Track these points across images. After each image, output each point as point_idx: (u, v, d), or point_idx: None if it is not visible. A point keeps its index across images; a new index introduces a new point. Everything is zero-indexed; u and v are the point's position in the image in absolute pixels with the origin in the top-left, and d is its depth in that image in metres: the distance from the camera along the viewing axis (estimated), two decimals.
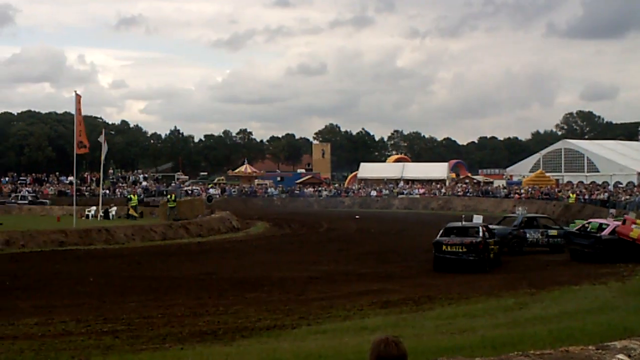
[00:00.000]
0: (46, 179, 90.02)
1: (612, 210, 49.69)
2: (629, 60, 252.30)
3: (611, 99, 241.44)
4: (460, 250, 30.69)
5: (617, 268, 29.50)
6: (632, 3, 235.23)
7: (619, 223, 34.13)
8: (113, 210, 58.14)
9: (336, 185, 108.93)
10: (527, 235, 38.36)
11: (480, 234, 31.90)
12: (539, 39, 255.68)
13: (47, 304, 21.29)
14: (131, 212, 57.68)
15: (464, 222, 34.35)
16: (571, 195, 72.41)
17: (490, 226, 36.35)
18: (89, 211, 57.23)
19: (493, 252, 32.26)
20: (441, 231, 32.81)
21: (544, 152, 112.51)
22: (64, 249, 37.30)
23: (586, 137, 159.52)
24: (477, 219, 37.91)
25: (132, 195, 62.42)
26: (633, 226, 32.78)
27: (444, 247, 30.92)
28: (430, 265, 31.71)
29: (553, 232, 38.81)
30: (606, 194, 70.61)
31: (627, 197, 64.81)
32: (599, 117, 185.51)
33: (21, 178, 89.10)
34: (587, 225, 36.16)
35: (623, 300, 20.76)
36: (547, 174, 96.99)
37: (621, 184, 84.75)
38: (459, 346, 13.68)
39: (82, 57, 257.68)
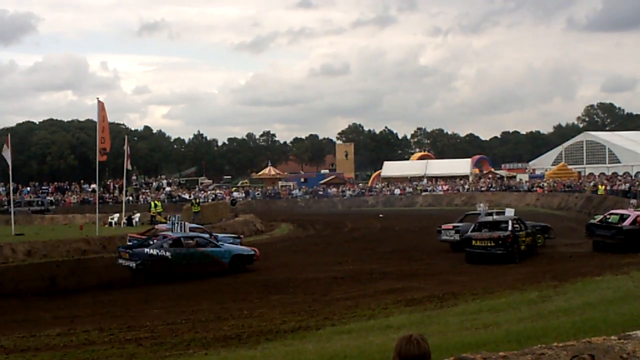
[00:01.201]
0: (68, 187, 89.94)
1: (633, 201, 49.42)
2: None
3: (632, 91, 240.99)
4: (489, 244, 32.02)
5: (638, 258, 29.44)
6: None
7: None
8: (136, 217, 58.06)
9: (360, 184, 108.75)
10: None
11: (510, 227, 32.94)
12: (559, 34, 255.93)
13: (69, 314, 21.37)
14: (159, 218, 57.61)
15: (495, 216, 35.76)
16: (600, 187, 71.98)
17: (455, 224, 37.72)
18: (112, 218, 57.22)
19: (525, 243, 33.35)
20: (473, 225, 34.60)
21: (565, 144, 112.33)
22: (86, 257, 37.18)
23: (607, 128, 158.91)
24: (509, 212, 37.72)
25: (156, 202, 62.38)
26: None
27: (473, 242, 32.49)
28: (453, 261, 32.41)
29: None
30: (627, 185, 70.36)
31: None
32: (620, 108, 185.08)
33: (43, 187, 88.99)
34: (608, 216, 36.15)
35: None
36: (569, 167, 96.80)
37: None
38: (484, 341, 13.67)
39: (105, 64, 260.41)
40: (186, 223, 36.48)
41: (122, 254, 30.54)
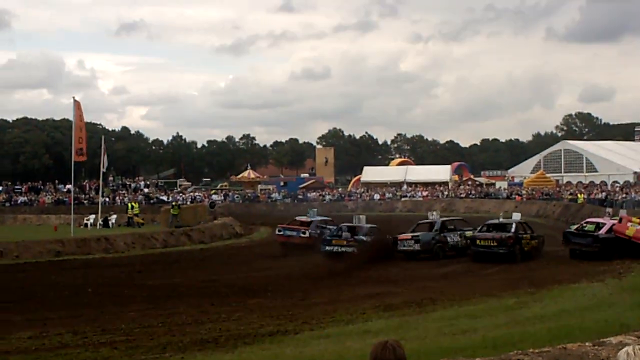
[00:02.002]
0: (43, 187, 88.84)
1: (609, 210, 49.87)
2: (625, 63, 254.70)
3: (608, 101, 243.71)
4: (492, 244, 35.15)
5: (614, 265, 29.94)
6: (626, 8, 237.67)
7: (616, 222, 34.47)
8: (113, 218, 57.72)
9: (339, 189, 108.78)
10: (448, 239, 38.13)
11: (513, 229, 36.04)
12: (538, 43, 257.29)
13: (42, 316, 20.83)
14: (136, 220, 57.42)
15: (501, 219, 39.06)
16: (579, 195, 72.31)
17: (413, 234, 38.15)
18: (88, 220, 56.78)
19: (530, 246, 36.24)
20: (480, 227, 37.84)
21: (544, 153, 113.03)
22: (60, 259, 36.63)
23: (585, 138, 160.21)
24: (516, 216, 39.29)
25: (133, 203, 62.16)
26: (629, 224, 33.27)
27: (478, 241, 35.71)
28: (432, 267, 33.00)
29: (469, 234, 38.08)
30: (604, 194, 70.86)
31: (624, 195, 65.08)
32: (597, 118, 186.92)
33: (16, 187, 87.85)
34: (584, 224, 36.56)
35: (620, 297, 20.97)
36: (548, 175, 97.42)
37: (618, 183, 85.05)
38: (461, 347, 13.75)
39: (82, 63, 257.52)
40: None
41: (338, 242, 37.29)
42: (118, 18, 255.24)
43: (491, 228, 37.11)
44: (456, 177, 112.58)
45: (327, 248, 37.98)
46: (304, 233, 42.91)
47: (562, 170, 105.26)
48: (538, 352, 9.86)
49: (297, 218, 46.79)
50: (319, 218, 45.88)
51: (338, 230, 40.16)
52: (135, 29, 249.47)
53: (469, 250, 36.37)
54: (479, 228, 37.71)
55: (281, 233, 43.90)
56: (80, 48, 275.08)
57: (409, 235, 38.34)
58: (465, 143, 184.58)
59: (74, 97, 47.16)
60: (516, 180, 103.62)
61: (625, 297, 20.82)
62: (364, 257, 35.18)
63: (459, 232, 38.92)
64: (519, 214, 41.59)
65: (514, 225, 36.52)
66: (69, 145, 50.02)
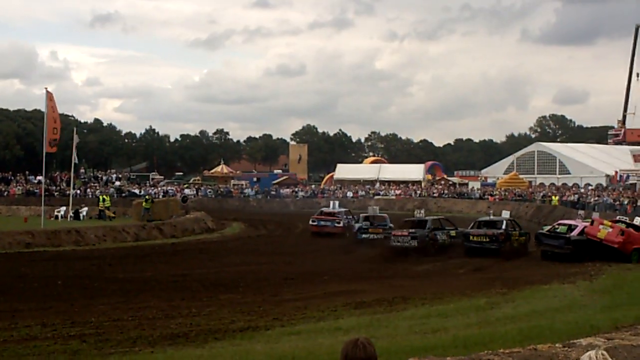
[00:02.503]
0: (13, 177, 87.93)
1: (581, 212, 50.15)
2: (599, 66, 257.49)
3: (582, 104, 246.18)
4: (484, 240, 37.69)
5: (585, 267, 30.18)
6: (601, 11, 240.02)
7: (587, 224, 34.69)
8: (84, 210, 57.28)
9: (313, 186, 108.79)
10: (437, 236, 39.88)
11: (504, 226, 38.57)
12: (514, 44, 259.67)
13: (10, 308, 20.56)
14: (108, 213, 57.10)
15: (491, 216, 43.39)
16: (554, 197, 72.59)
17: (410, 230, 39.81)
18: (59, 212, 56.22)
19: (518, 242, 38.58)
20: (472, 223, 40.43)
21: (517, 154, 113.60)
22: (30, 250, 36.21)
23: (558, 140, 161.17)
24: (505, 214, 41.54)
25: (104, 196, 61.77)
26: (600, 227, 33.50)
27: (471, 237, 38.13)
28: (404, 265, 33.33)
29: (453, 233, 40.59)
30: (576, 196, 71.22)
31: (596, 198, 65.45)
32: (571, 120, 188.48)
33: None
34: (557, 226, 36.80)
35: (590, 299, 21.12)
36: (521, 176, 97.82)
37: (591, 185, 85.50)
38: (431, 346, 13.77)
39: (55, 54, 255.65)
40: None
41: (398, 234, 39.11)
42: (93, 9, 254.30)
43: (482, 225, 39.74)
44: (429, 177, 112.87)
45: (364, 236, 43.65)
46: (338, 223, 48.73)
47: (535, 172, 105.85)
48: (508, 352, 9.87)
49: (324, 209, 53.66)
50: (343, 209, 52.70)
51: (357, 220, 46.76)
52: (110, 21, 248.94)
53: (465, 243, 38.47)
54: (471, 225, 40.12)
55: (315, 223, 49.87)
56: (53, 39, 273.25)
57: (405, 231, 39.69)
58: (439, 142, 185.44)
59: (46, 88, 46.79)
60: (489, 180, 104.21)
61: (595, 299, 20.97)
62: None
63: (445, 231, 40.69)
64: (508, 212, 43.67)
65: (504, 223, 38.90)
66: (41, 136, 49.74)
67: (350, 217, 49.89)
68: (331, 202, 53.53)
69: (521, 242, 38.85)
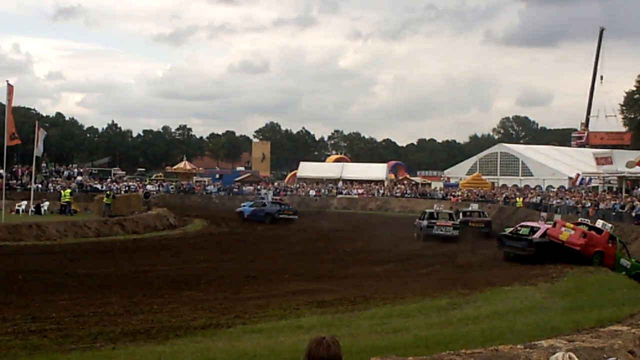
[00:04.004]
0: None
1: (544, 214, 50.45)
2: (562, 69, 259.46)
3: (545, 106, 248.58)
4: (481, 225, 49.84)
5: (546, 269, 30.31)
6: (565, 14, 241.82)
7: (550, 226, 34.88)
8: (45, 205, 56.86)
9: (275, 183, 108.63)
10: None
11: (486, 215, 51.86)
12: (477, 46, 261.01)
13: None
14: (74, 207, 56.72)
15: (442, 209, 51.51)
16: (518, 199, 72.80)
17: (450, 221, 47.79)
18: (20, 206, 55.67)
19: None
20: (426, 214, 48.97)
21: (480, 155, 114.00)
22: None
23: (521, 141, 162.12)
24: (474, 206, 52.13)
25: (65, 191, 61.26)
26: (563, 229, 33.67)
27: (470, 224, 48.93)
28: (365, 265, 33.44)
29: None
30: (539, 198, 71.59)
31: (559, 200, 65.83)
32: (534, 122, 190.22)
33: None
34: (519, 228, 37.00)
35: (551, 301, 21.27)
36: (483, 177, 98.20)
37: (553, 188, 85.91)
38: (393, 346, 13.81)
39: (17, 46, 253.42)
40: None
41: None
42: (56, 2, 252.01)
43: (468, 214, 51.07)
44: (392, 176, 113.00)
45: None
46: None
47: (498, 173, 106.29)
48: (470, 352, 9.92)
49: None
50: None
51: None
52: (73, 14, 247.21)
53: (433, 231, 46.47)
54: (461, 214, 51.39)
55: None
56: (16, 31, 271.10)
57: (449, 222, 47.54)
58: (402, 142, 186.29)
59: (7, 81, 46.53)
60: (452, 181, 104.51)
61: (557, 301, 21.12)
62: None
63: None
64: (477, 205, 56.09)
65: (485, 212, 50.78)
66: (1, 129, 49.24)
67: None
68: (263, 192, 56.59)
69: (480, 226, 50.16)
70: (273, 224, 58.63)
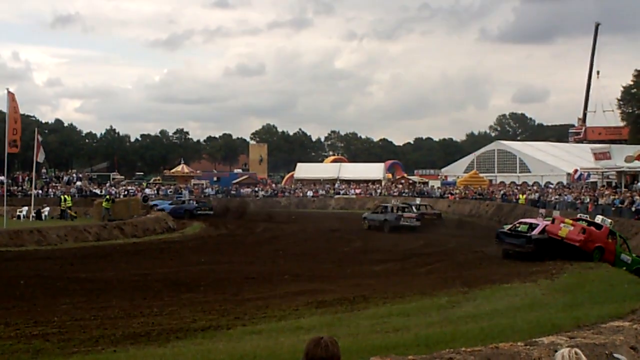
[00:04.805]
0: None
1: (542, 210, 50.34)
2: (558, 65, 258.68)
3: (542, 102, 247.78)
4: (434, 218, 58.36)
5: (546, 266, 30.26)
6: (560, 10, 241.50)
7: (549, 222, 34.83)
8: (45, 210, 57.06)
9: (273, 185, 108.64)
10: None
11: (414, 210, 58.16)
12: (472, 43, 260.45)
13: None
14: (70, 212, 56.87)
15: (399, 204, 60.30)
16: (521, 196, 72.43)
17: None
18: (20, 212, 56.01)
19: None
20: (388, 207, 57.31)
21: (477, 152, 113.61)
22: None
23: (518, 138, 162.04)
24: (417, 201, 58.02)
25: (66, 196, 61.43)
26: (562, 225, 33.55)
27: (402, 219, 53.91)
28: (364, 265, 33.54)
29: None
30: (537, 194, 71.44)
31: (557, 197, 65.69)
32: (531, 119, 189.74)
33: None
34: (517, 225, 36.91)
35: (552, 298, 21.25)
36: (481, 175, 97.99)
37: (551, 184, 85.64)
38: (393, 345, 13.82)
39: (17, 55, 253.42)
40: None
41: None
42: (53, 10, 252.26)
43: (420, 207, 60.63)
44: (389, 176, 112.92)
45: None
46: None
47: (496, 170, 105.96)
48: (470, 350, 9.93)
49: None
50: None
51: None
52: (71, 22, 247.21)
53: (400, 223, 53.86)
54: (415, 209, 58.97)
55: None
56: (14, 40, 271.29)
57: (413, 215, 55.81)
58: (398, 141, 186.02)
59: (7, 89, 46.60)
60: (449, 179, 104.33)
61: (557, 298, 21.12)
62: None
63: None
64: (419, 199, 65.85)
65: (414, 208, 59.45)
66: (2, 136, 49.28)
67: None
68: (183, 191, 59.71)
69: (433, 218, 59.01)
70: (191, 219, 62.62)
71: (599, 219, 35.32)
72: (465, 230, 54.40)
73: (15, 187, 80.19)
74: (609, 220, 35.16)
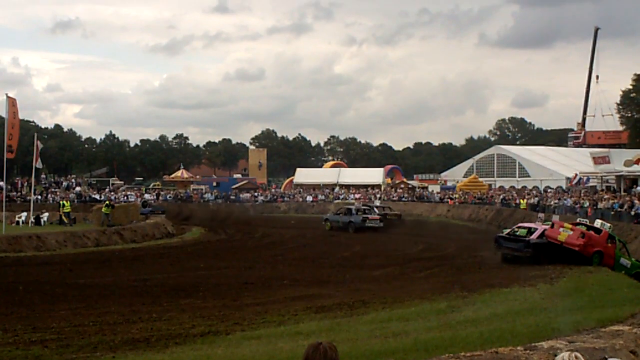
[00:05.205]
0: None
1: (541, 215, 50.29)
2: (557, 70, 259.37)
3: (541, 106, 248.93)
4: (377, 221, 58.83)
5: (545, 270, 30.11)
6: (559, 15, 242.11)
7: (547, 227, 34.80)
8: (44, 216, 57.04)
9: (272, 190, 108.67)
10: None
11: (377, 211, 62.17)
12: (471, 48, 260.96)
13: None
14: (64, 218, 56.87)
15: (361, 205, 65.03)
16: (522, 201, 72.25)
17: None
18: (20, 217, 56.00)
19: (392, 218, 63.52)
20: (351, 209, 61.25)
21: (477, 157, 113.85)
22: None
23: (518, 142, 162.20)
24: (377, 202, 63.12)
25: (64, 202, 61.43)
26: (561, 229, 33.51)
27: (367, 221, 57.89)
28: (363, 269, 33.51)
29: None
30: (536, 199, 71.37)
31: (556, 201, 65.68)
32: (530, 123, 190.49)
33: None
34: (516, 229, 36.87)
35: (551, 302, 21.20)
36: (480, 179, 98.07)
37: (551, 188, 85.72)
38: (393, 350, 13.81)
39: (17, 60, 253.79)
40: None
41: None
42: (53, 16, 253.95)
43: (370, 211, 61.50)
44: (389, 180, 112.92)
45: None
46: None
47: (495, 175, 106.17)
48: (470, 355, 9.92)
49: None
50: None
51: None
52: (71, 27, 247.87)
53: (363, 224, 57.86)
54: (376, 210, 62.77)
55: None
56: (15, 45, 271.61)
57: (377, 216, 60.08)
58: (398, 146, 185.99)
59: (6, 94, 46.58)
60: (449, 184, 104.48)
61: (556, 302, 21.06)
62: None
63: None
64: (378, 201, 71.68)
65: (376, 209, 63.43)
66: (2, 142, 49.27)
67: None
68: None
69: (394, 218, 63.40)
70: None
71: (598, 223, 35.26)
72: (423, 230, 59.02)
73: (15, 193, 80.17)
74: (609, 225, 35.12)
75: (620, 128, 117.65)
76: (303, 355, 5.08)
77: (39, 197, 76.40)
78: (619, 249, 33.78)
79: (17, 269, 31.74)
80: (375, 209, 63.89)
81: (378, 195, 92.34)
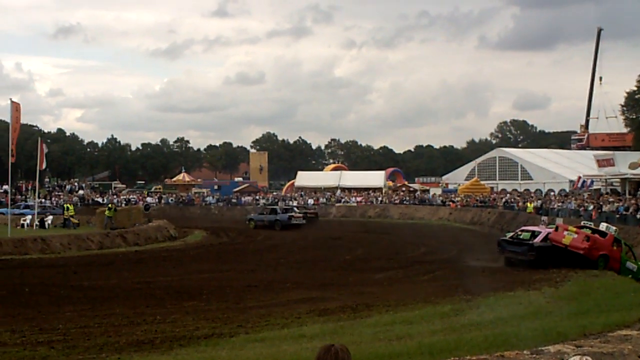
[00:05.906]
0: None
1: (544, 218, 50.18)
2: (559, 71, 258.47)
3: (543, 109, 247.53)
4: (300, 218, 66.20)
5: (550, 274, 29.98)
6: (560, 17, 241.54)
7: (551, 230, 34.65)
8: (49, 219, 57.17)
9: (274, 193, 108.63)
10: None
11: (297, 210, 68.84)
12: (472, 51, 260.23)
13: None
14: (73, 220, 57.00)
15: (285, 205, 74.69)
16: (529, 204, 71.69)
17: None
18: (24, 220, 56.17)
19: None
20: (278, 210, 67.13)
21: (479, 160, 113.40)
22: None
23: (520, 145, 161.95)
24: (294, 203, 70.99)
25: (68, 205, 61.58)
26: (565, 233, 33.31)
27: (292, 219, 64.78)
28: (366, 272, 33.42)
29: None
30: (539, 202, 71.14)
31: (560, 204, 65.50)
32: (532, 126, 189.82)
33: None
34: (519, 233, 36.71)
35: (556, 306, 21.13)
36: (482, 182, 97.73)
37: (554, 191, 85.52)
38: (397, 353, 13.81)
39: (19, 65, 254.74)
40: None
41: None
42: (55, 22, 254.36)
43: (296, 208, 71.50)
44: (390, 183, 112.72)
45: None
46: None
47: (497, 178, 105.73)
48: (475, 359, 9.91)
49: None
50: None
51: None
52: (73, 33, 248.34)
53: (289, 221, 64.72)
54: (290, 210, 68.73)
55: None
56: (17, 50, 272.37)
57: (300, 214, 66.99)
58: (399, 149, 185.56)
59: (10, 99, 46.75)
60: (450, 187, 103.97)
61: (562, 306, 21.00)
62: None
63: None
64: (296, 202, 77.62)
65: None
66: (6, 146, 49.39)
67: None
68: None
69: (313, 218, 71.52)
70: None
71: (603, 226, 35.05)
72: (343, 226, 67.26)
73: (19, 196, 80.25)
74: (614, 228, 34.95)
75: (625, 130, 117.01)
76: (315, 357, 5.11)
77: (43, 200, 76.52)
78: (625, 253, 33.62)
79: (22, 271, 31.90)
80: (296, 209, 71.74)
81: (376, 197, 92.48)
